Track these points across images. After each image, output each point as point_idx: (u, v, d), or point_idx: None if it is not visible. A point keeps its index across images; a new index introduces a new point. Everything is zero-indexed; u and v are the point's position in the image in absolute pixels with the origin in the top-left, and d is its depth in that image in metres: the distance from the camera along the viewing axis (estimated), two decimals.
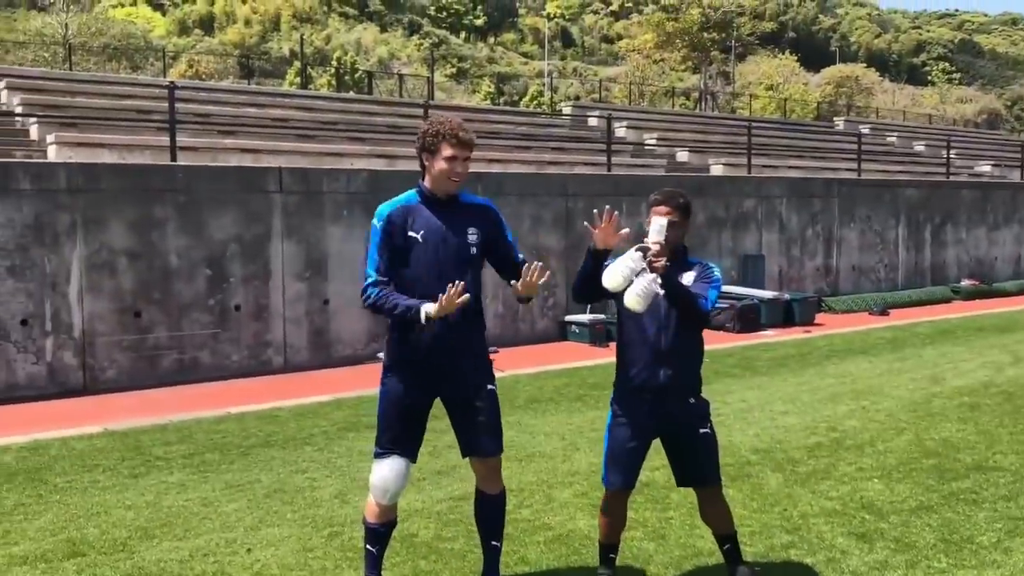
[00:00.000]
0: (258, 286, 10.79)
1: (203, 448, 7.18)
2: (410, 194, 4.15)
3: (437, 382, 4.11)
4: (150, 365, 10.05)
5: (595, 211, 4.02)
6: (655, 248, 3.95)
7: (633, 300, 3.94)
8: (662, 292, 3.99)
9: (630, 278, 3.94)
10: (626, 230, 4.01)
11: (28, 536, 5.22)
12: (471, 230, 4.09)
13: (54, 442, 7.36)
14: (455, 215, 4.09)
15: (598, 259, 4.06)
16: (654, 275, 3.93)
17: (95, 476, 6.42)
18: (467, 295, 3.90)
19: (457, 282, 3.86)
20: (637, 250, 3.97)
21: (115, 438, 7.52)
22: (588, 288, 4.15)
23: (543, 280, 3.98)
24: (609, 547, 4.41)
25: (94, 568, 4.73)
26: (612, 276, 3.98)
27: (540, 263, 4.01)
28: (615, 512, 4.35)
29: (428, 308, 3.90)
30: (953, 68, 70.88)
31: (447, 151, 4.00)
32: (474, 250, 4.09)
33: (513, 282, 4.06)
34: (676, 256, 4.18)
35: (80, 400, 9.27)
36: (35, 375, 9.45)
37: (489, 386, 4.18)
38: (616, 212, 4.01)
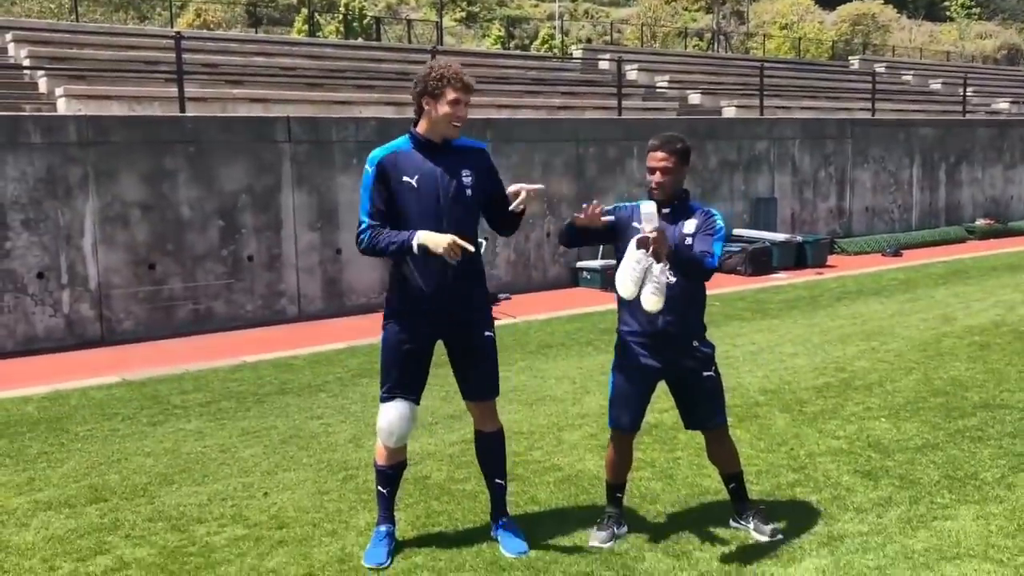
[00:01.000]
0: (270, 236, 10.86)
1: (219, 396, 7.31)
2: (403, 140, 4.18)
3: (436, 328, 4.20)
4: (166, 316, 10.18)
5: (584, 205, 4.10)
6: (653, 235, 3.89)
7: (650, 301, 3.95)
8: (674, 279, 3.99)
9: (640, 279, 3.94)
10: (599, 206, 4.07)
11: (52, 483, 5.37)
12: (465, 172, 4.12)
13: (74, 392, 7.51)
14: (448, 158, 4.11)
15: (577, 227, 4.17)
16: (661, 264, 3.91)
17: (115, 424, 6.56)
18: (470, 247, 3.97)
19: (470, 246, 3.95)
20: (638, 247, 3.93)
21: (133, 388, 7.66)
22: (569, 240, 4.32)
23: (533, 193, 4.06)
24: (616, 487, 4.50)
25: (116, 512, 4.88)
26: (624, 284, 3.97)
27: (540, 186, 4.14)
28: (621, 453, 4.44)
29: (419, 237, 3.94)
30: (972, 3, 69.31)
31: (451, 95, 4.01)
32: (469, 192, 4.11)
33: (512, 201, 4.11)
34: (676, 200, 4.21)
35: (98, 351, 9.42)
36: (53, 327, 9.59)
37: (487, 333, 4.26)
38: (598, 203, 4.09)
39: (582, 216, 4.07)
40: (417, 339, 4.18)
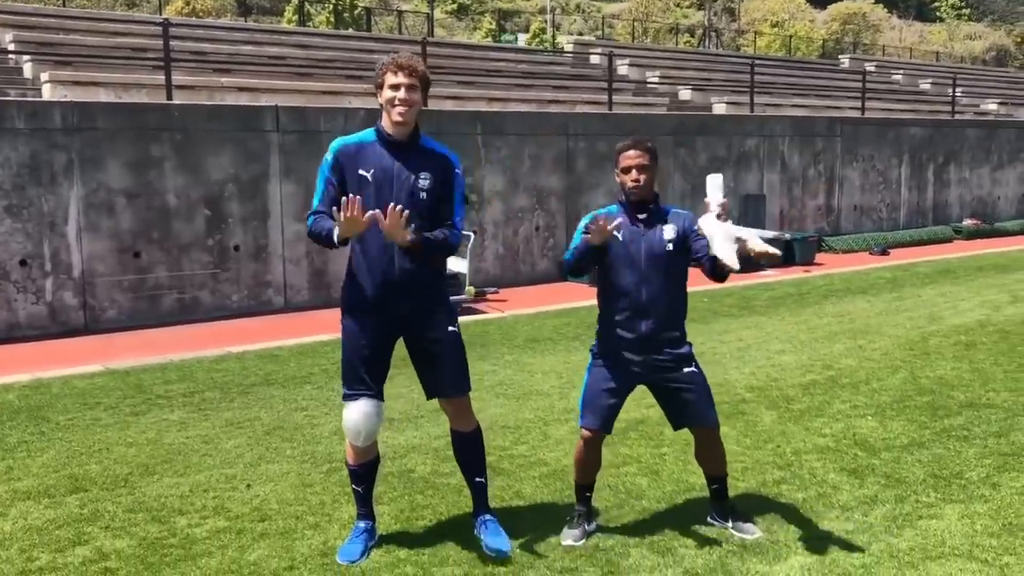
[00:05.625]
0: (257, 226, 10.78)
1: (203, 387, 7.25)
2: (368, 132, 4.12)
3: (393, 324, 4.08)
4: (150, 305, 10.10)
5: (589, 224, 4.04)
6: (719, 210, 3.97)
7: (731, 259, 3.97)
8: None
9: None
10: (618, 220, 4.05)
11: (32, 472, 5.31)
12: (423, 174, 4.00)
13: (56, 381, 7.43)
14: (410, 158, 4.01)
15: (597, 250, 4.09)
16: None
17: (97, 414, 6.50)
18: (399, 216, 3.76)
19: (364, 208, 3.74)
20: (718, 217, 3.96)
21: (116, 377, 7.59)
22: (580, 269, 4.22)
23: (401, 224, 3.75)
24: (585, 486, 4.46)
25: (96, 503, 4.82)
26: (730, 257, 3.97)
27: (401, 208, 3.77)
28: (591, 454, 4.36)
29: (337, 230, 3.84)
30: (962, 3, 69.57)
31: (389, 79, 3.97)
32: (424, 195, 3.98)
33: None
34: (651, 203, 4.19)
35: (81, 339, 9.34)
36: (36, 315, 9.50)
37: (450, 327, 4.13)
38: (602, 218, 4.04)
39: (592, 235, 3.97)
40: (375, 334, 4.06)
